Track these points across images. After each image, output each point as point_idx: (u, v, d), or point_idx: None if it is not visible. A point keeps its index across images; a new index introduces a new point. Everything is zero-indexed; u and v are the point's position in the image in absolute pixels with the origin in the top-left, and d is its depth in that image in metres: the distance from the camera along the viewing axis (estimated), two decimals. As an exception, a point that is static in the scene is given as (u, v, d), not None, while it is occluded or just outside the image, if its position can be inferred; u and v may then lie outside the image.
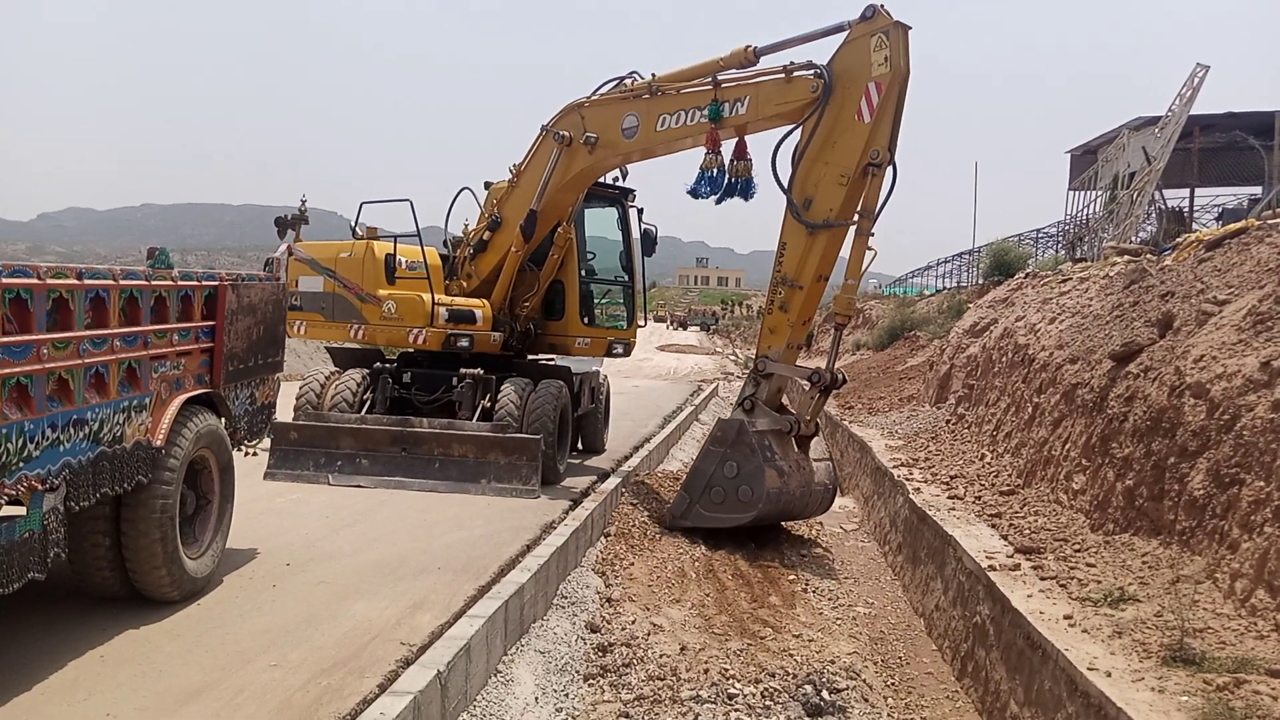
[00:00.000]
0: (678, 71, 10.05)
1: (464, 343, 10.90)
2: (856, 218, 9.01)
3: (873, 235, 9.05)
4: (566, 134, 10.56)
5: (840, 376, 9.64)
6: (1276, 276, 9.25)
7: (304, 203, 10.40)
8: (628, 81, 10.38)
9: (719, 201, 9.82)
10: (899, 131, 8.87)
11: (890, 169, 9.00)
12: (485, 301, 11.31)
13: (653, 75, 10.12)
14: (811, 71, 9.06)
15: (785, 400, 10.32)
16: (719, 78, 9.58)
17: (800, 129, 9.16)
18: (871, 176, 8.88)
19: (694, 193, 9.78)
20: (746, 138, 9.75)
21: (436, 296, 10.76)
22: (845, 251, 9.54)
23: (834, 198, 8.97)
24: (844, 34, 8.95)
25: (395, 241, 11.11)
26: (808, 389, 9.62)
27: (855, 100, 8.80)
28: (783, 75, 9.28)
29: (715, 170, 9.68)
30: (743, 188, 9.76)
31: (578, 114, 10.60)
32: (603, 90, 10.58)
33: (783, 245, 9.40)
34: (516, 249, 11.09)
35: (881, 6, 8.73)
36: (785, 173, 9.32)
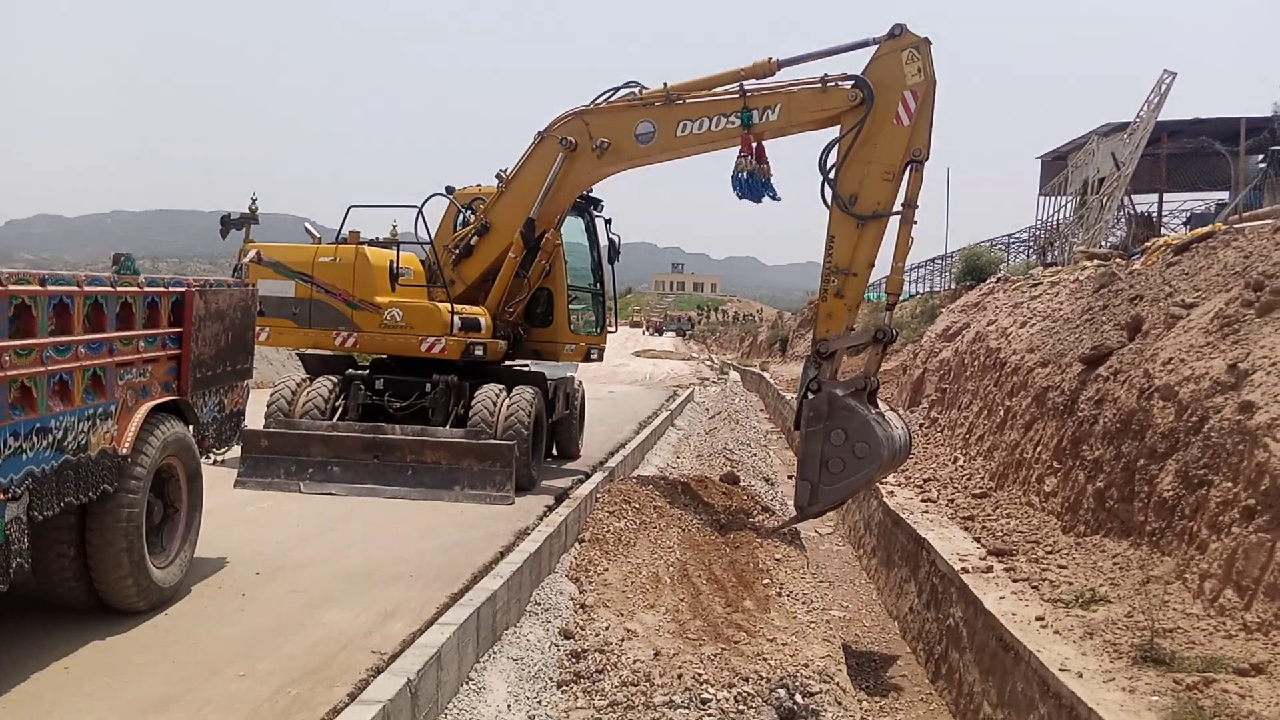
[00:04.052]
0: (696, 80, 10.48)
1: (479, 351, 10.90)
2: (901, 208, 9.75)
3: (916, 223, 9.86)
4: (572, 139, 10.68)
5: (895, 332, 10.50)
6: (1243, 280, 9.36)
7: (254, 202, 10.25)
8: (634, 91, 10.64)
9: (758, 201, 10.43)
10: (932, 129, 9.71)
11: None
12: (485, 309, 11.30)
13: (665, 84, 10.42)
14: (850, 82, 9.77)
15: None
16: (745, 86, 10.09)
17: (840, 133, 9.85)
18: (913, 171, 9.70)
19: (740, 195, 10.41)
20: (765, 143, 10.30)
21: (453, 306, 10.75)
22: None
23: (881, 192, 9.72)
24: (870, 49, 9.75)
25: (398, 248, 11.04)
26: (872, 348, 10.31)
27: (892, 106, 9.60)
28: (818, 85, 9.95)
29: (745, 174, 10.21)
30: (769, 187, 10.38)
31: (580, 121, 10.75)
32: (601, 100, 10.78)
33: (831, 239, 9.93)
34: (515, 254, 11.14)
35: (907, 26, 9.64)
36: (810, 190, 10.00)
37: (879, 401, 10.45)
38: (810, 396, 10.02)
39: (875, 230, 9.82)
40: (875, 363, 10.30)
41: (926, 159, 9.68)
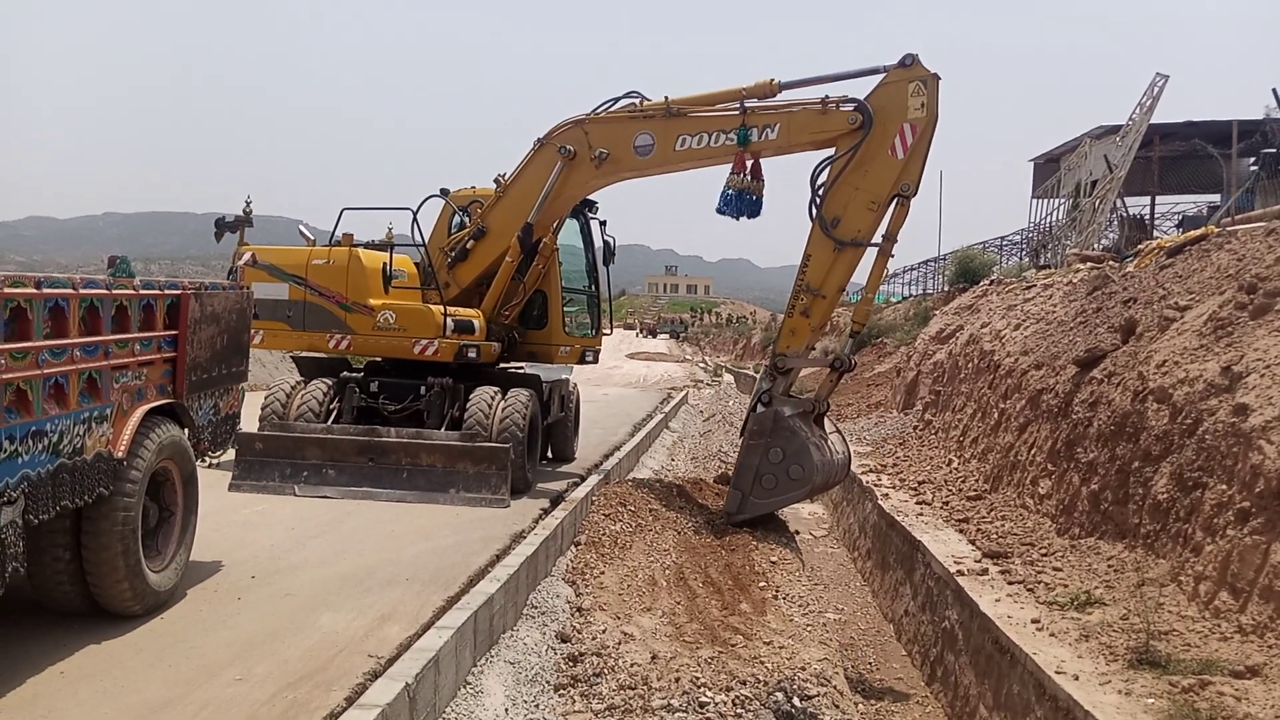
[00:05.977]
0: (697, 96, 10.46)
1: (473, 354, 10.91)
2: (880, 239, 9.76)
3: (892, 257, 9.90)
4: (571, 148, 10.68)
5: (853, 361, 10.57)
6: (1236, 282, 9.38)
7: (249, 205, 10.21)
8: (634, 101, 10.65)
9: (737, 219, 10.37)
10: (925, 167, 9.67)
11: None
12: (479, 311, 11.30)
13: (666, 98, 10.39)
14: (851, 106, 9.72)
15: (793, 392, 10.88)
16: (745, 104, 10.07)
17: (835, 155, 9.81)
18: (898, 205, 9.67)
19: (722, 211, 10.37)
20: (762, 161, 10.27)
21: (446, 308, 10.75)
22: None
23: (863, 220, 9.71)
24: (876, 75, 9.68)
25: (391, 250, 11.04)
26: (827, 373, 10.43)
27: (890, 136, 9.55)
28: (818, 106, 9.92)
29: (734, 191, 10.19)
30: (757, 205, 10.33)
31: (580, 130, 10.75)
32: (601, 109, 10.78)
33: (807, 257, 9.95)
34: (513, 259, 11.15)
35: (919, 57, 9.53)
36: (806, 192, 9.98)
37: (826, 423, 10.62)
38: (759, 409, 10.12)
39: (851, 257, 9.85)
40: (827, 388, 10.43)
41: (914, 195, 9.66)
